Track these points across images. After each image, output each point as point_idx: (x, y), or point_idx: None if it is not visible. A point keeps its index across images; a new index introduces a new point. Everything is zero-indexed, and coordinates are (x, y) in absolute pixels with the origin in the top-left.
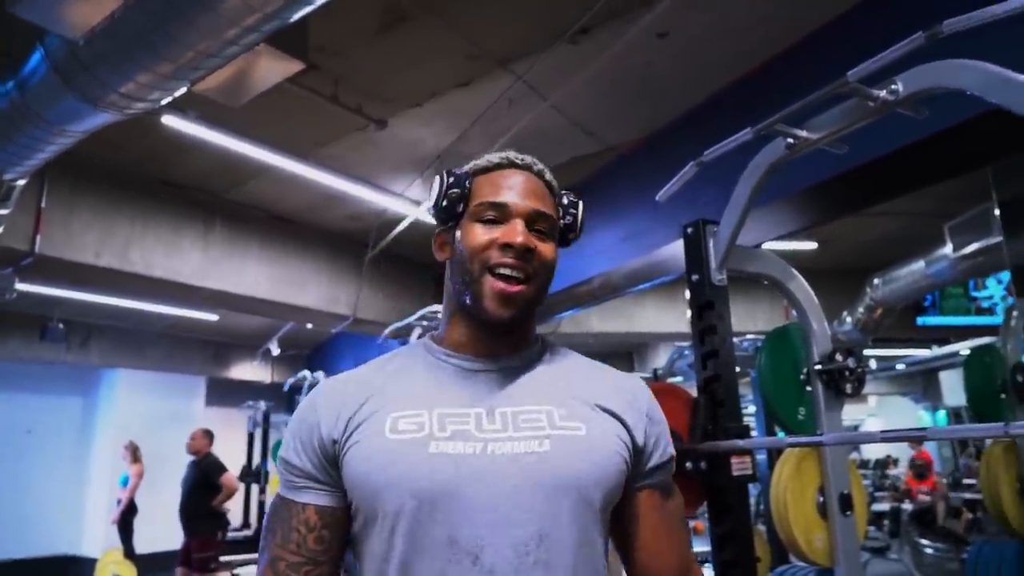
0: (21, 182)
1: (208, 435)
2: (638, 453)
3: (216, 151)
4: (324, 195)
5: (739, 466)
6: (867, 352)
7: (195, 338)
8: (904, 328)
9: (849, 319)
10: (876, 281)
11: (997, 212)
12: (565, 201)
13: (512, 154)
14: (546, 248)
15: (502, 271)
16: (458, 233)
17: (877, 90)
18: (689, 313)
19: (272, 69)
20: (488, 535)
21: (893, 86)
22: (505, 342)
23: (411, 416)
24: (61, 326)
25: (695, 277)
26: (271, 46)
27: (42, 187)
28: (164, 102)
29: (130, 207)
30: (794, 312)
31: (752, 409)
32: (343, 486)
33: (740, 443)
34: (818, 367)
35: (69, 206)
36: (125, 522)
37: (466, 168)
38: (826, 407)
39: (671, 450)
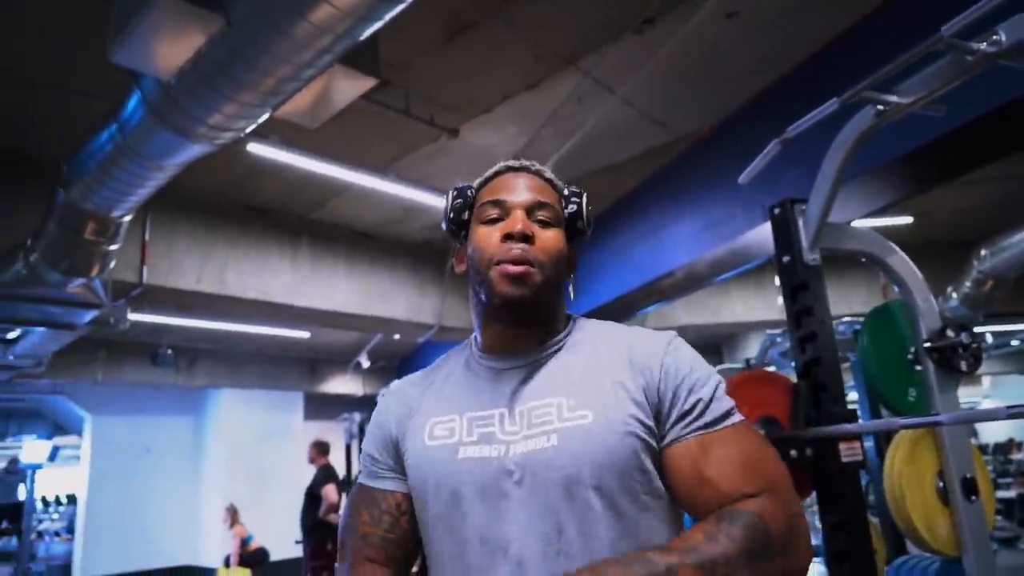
0: (127, 218)
1: (318, 446)
2: (658, 413)
3: (297, 173)
4: (403, 208)
5: (848, 452)
6: (979, 329)
7: (290, 356)
8: (1019, 301)
9: (955, 295)
10: (984, 252)
11: None
12: (566, 192)
13: (509, 161)
14: (549, 235)
15: (507, 259)
16: (468, 242)
17: (976, 43)
18: (780, 298)
19: (346, 88)
20: (515, 531)
21: (995, 37)
22: (529, 335)
23: (446, 421)
24: (170, 351)
25: (786, 259)
26: (344, 65)
27: (145, 221)
28: (248, 130)
29: (223, 233)
30: (895, 290)
31: (853, 396)
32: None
33: (848, 427)
34: (927, 345)
35: (170, 236)
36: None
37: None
38: (940, 387)
39: (702, 393)
